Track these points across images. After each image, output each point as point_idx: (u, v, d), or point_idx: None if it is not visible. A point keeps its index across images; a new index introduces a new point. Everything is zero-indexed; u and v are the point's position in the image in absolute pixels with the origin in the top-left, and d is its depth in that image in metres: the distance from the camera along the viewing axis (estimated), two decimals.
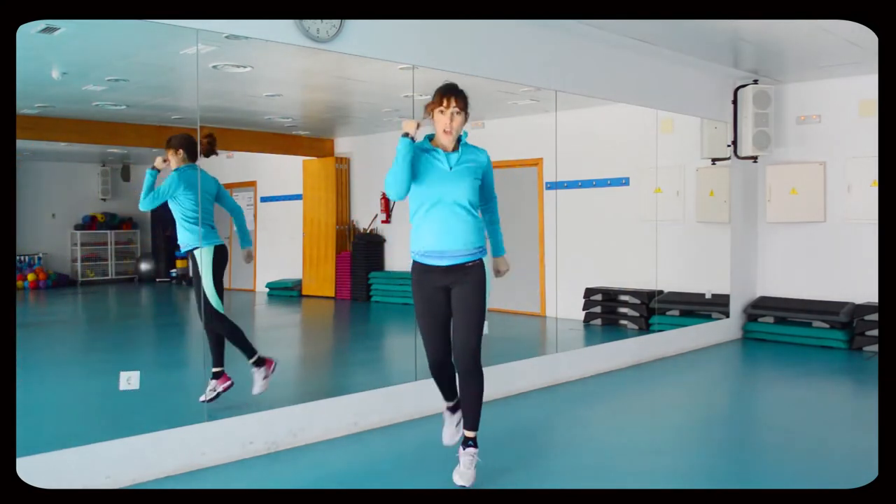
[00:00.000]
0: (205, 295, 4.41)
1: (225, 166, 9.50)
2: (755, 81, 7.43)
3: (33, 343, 7.03)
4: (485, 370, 5.23)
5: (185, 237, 4.49)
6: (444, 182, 3.33)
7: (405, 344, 7.22)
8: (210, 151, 4.55)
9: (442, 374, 3.56)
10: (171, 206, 4.48)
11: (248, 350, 4.60)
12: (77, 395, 5.29)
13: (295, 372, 6.38)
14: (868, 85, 7.08)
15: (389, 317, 9.30)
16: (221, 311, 4.49)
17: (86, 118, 6.70)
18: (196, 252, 4.47)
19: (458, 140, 3.43)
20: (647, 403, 5.38)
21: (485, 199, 3.56)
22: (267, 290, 10.32)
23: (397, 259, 9.79)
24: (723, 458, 4.13)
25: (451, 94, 3.35)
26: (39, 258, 10.72)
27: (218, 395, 4.47)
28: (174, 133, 4.53)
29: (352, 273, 10.01)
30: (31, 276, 10.51)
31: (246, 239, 4.87)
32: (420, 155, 3.35)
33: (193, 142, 4.43)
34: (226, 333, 4.53)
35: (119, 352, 6.99)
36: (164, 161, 4.46)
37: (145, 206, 4.42)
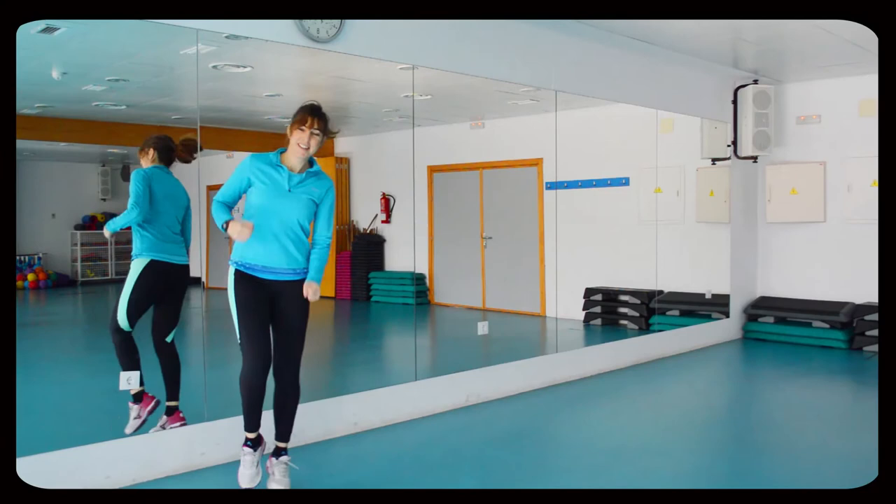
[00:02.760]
0: (114, 308, 3.94)
1: (225, 166, 9.52)
2: (755, 81, 7.43)
3: (33, 343, 7.03)
4: (485, 370, 5.27)
5: (134, 242, 4.07)
6: (280, 201, 3.35)
7: (405, 344, 7.23)
8: (185, 158, 4.18)
9: (256, 386, 3.33)
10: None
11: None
12: (77, 395, 5.29)
13: None
14: (868, 85, 7.08)
15: (389, 317, 9.30)
16: (127, 329, 3.94)
17: (86, 118, 6.69)
18: (133, 261, 4.05)
19: (310, 165, 3.48)
20: (647, 403, 5.38)
21: (318, 229, 3.51)
22: None
23: (397, 259, 9.79)
24: (723, 458, 4.13)
25: (315, 115, 3.39)
26: (39, 258, 10.72)
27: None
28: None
29: (352, 273, 10.00)
30: (31, 276, 10.51)
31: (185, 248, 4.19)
32: (265, 168, 3.37)
33: (167, 144, 4.14)
34: (116, 347, 3.97)
35: None
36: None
37: (121, 223, 3.98)
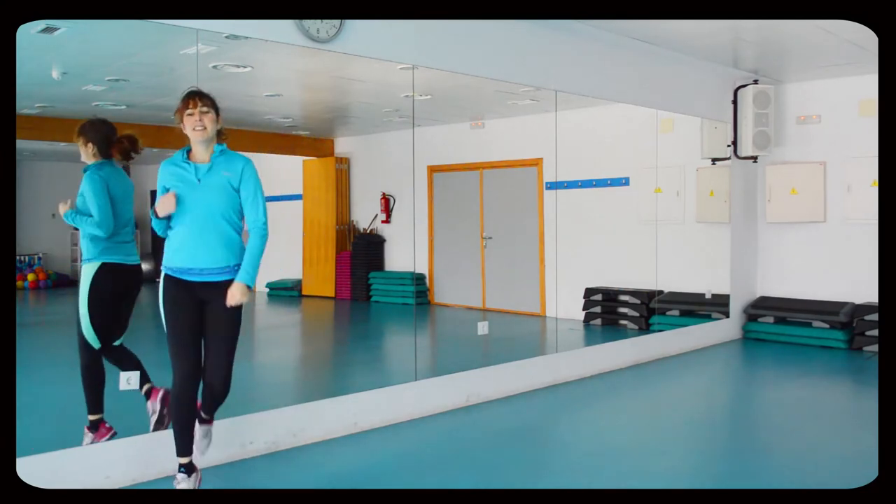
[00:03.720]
0: (78, 323, 3.69)
1: None
2: (755, 81, 7.43)
3: (33, 343, 7.03)
4: (485, 370, 5.27)
5: (84, 246, 3.75)
6: (193, 195, 3.18)
7: (405, 344, 7.23)
8: (128, 154, 3.83)
9: (185, 401, 3.23)
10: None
11: (94, 404, 3.73)
12: (77, 395, 5.26)
13: (295, 372, 6.38)
14: (868, 85, 7.08)
15: (389, 317, 9.30)
16: (96, 346, 3.70)
17: (86, 118, 6.70)
18: (83, 267, 3.71)
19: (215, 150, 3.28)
20: (647, 403, 5.38)
21: (247, 215, 3.26)
22: (267, 290, 10.32)
23: (397, 259, 9.79)
24: (723, 458, 4.13)
25: (194, 95, 3.22)
26: (39, 258, 10.71)
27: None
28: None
29: (352, 273, 10.01)
30: (31, 276, 10.51)
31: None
32: (173, 170, 3.23)
33: (107, 134, 3.80)
34: (82, 372, 3.75)
35: None
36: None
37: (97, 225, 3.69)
